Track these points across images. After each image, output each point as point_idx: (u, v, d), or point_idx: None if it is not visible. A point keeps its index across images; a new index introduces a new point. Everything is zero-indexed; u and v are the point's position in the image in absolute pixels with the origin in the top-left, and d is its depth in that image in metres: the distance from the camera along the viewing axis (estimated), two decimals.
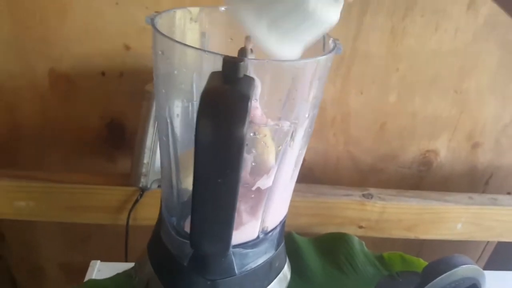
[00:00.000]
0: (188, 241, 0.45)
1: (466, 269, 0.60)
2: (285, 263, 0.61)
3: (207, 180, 0.40)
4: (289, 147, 0.49)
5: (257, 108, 0.46)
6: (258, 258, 0.55)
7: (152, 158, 0.77)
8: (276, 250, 0.57)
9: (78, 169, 0.93)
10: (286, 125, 0.48)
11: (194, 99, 0.49)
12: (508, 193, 1.03)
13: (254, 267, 0.54)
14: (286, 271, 0.61)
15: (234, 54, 0.48)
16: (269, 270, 0.57)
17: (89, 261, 0.78)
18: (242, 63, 0.37)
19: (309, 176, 0.97)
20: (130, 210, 0.81)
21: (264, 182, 0.50)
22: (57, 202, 0.83)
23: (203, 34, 0.55)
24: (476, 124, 0.94)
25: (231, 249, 0.48)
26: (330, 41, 0.49)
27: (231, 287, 0.53)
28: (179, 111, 0.50)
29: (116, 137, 0.89)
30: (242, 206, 0.51)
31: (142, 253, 0.62)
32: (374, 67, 0.85)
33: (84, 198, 0.83)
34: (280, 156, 0.50)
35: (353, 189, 0.89)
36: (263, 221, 0.53)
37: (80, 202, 0.83)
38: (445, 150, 0.97)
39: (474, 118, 0.93)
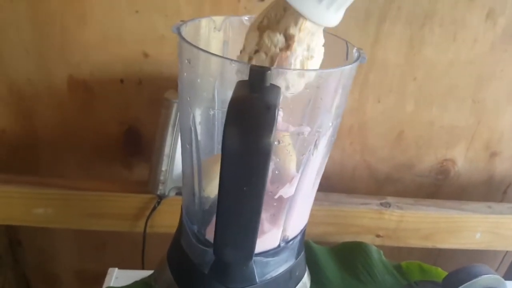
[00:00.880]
0: (209, 249, 0.45)
1: (487, 279, 0.59)
2: (305, 272, 0.61)
3: (232, 188, 0.40)
4: (312, 155, 0.49)
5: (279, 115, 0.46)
6: (278, 267, 0.54)
7: (170, 165, 0.77)
8: (296, 259, 0.57)
9: (95, 176, 0.93)
10: (306, 130, 0.47)
11: (216, 107, 0.50)
12: None
13: (275, 276, 0.54)
14: (306, 280, 0.61)
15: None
16: (289, 279, 0.57)
17: (105, 269, 0.78)
18: (268, 72, 0.37)
19: (325, 185, 0.96)
20: (148, 218, 0.81)
21: (286, 191, 0.50)
22: (74, 209, 0.84)
23: (225, 43, 0.55)
24: (494, 133, 0.93)
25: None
26: (354, 50, 0.49)
27: None
28: (201, 119, 0.50)
29: (133, 144, 0.89)
30: (263, 215, 0.51)
31: (161, 260, 0.62)
32: (392, 75, 0.85)
33: (101, 205, 0.83)
34: (303, 164, 0.49)
35: (370, 197, 0.89)
36: (284, 230, 0.53)
37: (97, 209, 0.84)
38: (463, 159, 0.96)
39: (492, 127, 0.93)
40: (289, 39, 0.43)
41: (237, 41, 0.52)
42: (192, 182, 0.53)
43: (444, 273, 0.67)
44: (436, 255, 1.08)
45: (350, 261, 0.79)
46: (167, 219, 0.82)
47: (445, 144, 0.94)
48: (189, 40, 0.44)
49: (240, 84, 0.38)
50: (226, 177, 0.39)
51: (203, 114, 0.50)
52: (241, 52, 0.47)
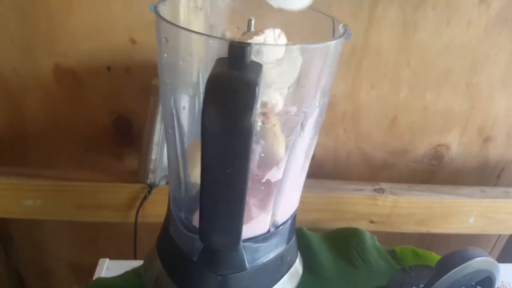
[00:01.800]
0: (197, 236, 0.44)
1: (480, 261, 0.59)
2: (296, 258, 0.60)
3: (215, 171, 0.39)
4: (299, 137, 0.48)
5: None
6: (269, 253, 0.53)
7: (160, 154, 0.76)
8: (287, 244, 0.56)
9: (85, 166, 0.92)
10: (293, 110, 0.46)
11: (201, 90, 0.48)
12: None
13: (265, 262, 0.53)
14: (297, 266, 0.60)
15: None
16: (281, 264, 0.56)
17: (98, 260, 0.77)
18: (248, 47, 0.36)
19: (319, 172, 0.96)
20: (139, 207, 0.81)
21: (274, 174, 0.49)
22: (64, 201, 0.83)
23: (211, 26, 0.54)
24: (488, 118, 0.93)
25: (241, 243, 0.48)
26: (340, 26, 0.48)
27: (242, 282, 0.52)
28: (185, 103, 0.49)
29: (123, 133, 0.88)
30: (251, 199, 0.50)
31: (150, 249, 0.61)
32: (386, 61, 0.84)
33: (92, 196, 0.83)
34: (290, 146, 0.48)
35: (364, 184, 0.89)
36: (273, 215, 0.52)
37: (88, 200, 0.83)
38: (457, 144, 0.95)
39: (486, 112, 0.92)
40: None
41: (221, 20, 0.51)
42: (177, 168, 0.52)
43: (438, 258, 0.66)
44: (430, 240, 1.08)
45: (344, 247, 0.79)
46: (158, 209, 0.81)
47: (439, 129, 0.93)
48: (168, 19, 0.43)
49: (219, 61, 0.37)
50: (207, 160, 0.38)
51: (185, 97, 0.49)
52: None
